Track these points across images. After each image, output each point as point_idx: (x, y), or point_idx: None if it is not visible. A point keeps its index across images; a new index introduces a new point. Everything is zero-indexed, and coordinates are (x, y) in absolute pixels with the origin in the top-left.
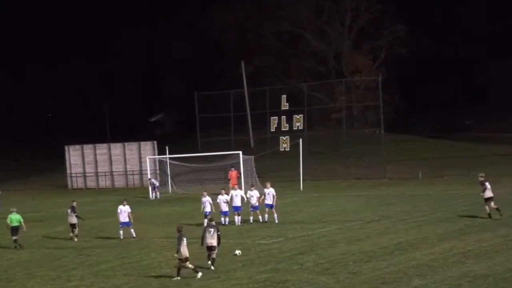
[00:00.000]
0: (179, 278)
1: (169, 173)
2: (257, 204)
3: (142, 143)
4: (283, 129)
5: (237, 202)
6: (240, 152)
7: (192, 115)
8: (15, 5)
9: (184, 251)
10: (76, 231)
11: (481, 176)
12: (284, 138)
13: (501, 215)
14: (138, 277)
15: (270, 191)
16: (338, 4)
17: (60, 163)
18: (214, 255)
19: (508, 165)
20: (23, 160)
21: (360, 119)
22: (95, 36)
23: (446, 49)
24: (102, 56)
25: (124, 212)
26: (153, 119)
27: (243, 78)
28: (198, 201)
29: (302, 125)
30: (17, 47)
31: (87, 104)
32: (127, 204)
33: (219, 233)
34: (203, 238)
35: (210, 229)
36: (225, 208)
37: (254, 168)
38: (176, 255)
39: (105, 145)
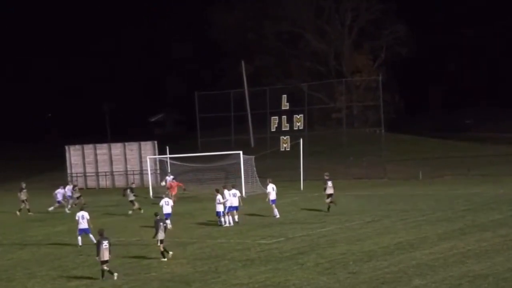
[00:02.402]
0: (115, 277)
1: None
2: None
3: (142, 143)
4: (283, 129)
5: (234, 203)
6: (241, 152)
7: (192, 115)
8: (15, 5)
9: (104, 254)
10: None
11: (326, 175)
12: (285, 138)
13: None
14: (138, 277)
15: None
16: (339, 4)
17: (60, 163)
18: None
19: (508, 165)
20: (23, 160)
21: (360, 119)
22: (95, 36)
23: (446, 49)
24: (102, 56)
25: (82, 218)
26: (153, 119)
27: (243, 78)
28: (198, 201)
29: (302, 125)
30: (17, 47)
31: (87, 104)
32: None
33: (165, 225)
34: (156, 232)
35: (161, 224)
36: (219, 208)
37: (255, 168)
38: (97, 258)
39: (105, 145)
